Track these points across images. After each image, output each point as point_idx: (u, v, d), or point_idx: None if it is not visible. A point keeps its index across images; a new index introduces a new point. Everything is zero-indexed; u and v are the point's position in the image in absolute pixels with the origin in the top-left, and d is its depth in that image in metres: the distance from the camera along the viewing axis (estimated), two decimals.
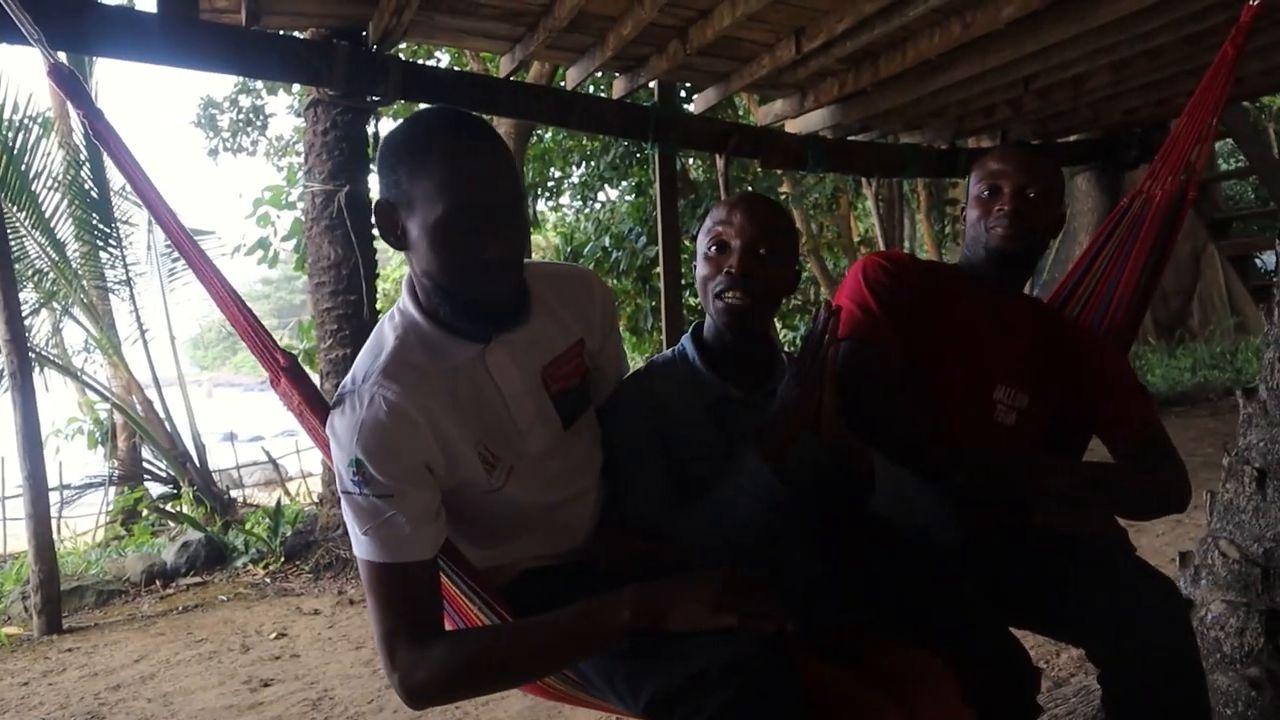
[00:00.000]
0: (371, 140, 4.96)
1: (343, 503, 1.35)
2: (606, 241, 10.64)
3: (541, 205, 13.81)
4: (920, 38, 4.52)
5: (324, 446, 1.53)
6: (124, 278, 8.22)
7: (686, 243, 8.61)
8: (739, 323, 1.59)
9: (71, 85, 1.69)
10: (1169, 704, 1.55)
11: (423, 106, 3.97)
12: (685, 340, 1.70)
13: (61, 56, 1.77)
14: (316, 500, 7.20)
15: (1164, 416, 1.92)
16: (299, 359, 1.67)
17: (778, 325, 12.12)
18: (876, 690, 1.43)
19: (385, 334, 1.43)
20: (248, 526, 6.27)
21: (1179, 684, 1.56)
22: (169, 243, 7.88)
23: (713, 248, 1.61)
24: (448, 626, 1.47)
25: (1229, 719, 2.08)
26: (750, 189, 10.66)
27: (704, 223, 1.65)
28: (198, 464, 8.22)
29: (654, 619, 1.26)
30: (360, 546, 1.34)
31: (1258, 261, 9.19)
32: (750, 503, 1.49)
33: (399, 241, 1.36)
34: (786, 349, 1.79)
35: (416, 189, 1.30)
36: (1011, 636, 1.58)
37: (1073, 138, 7.50)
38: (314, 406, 1.56)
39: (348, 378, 1.40)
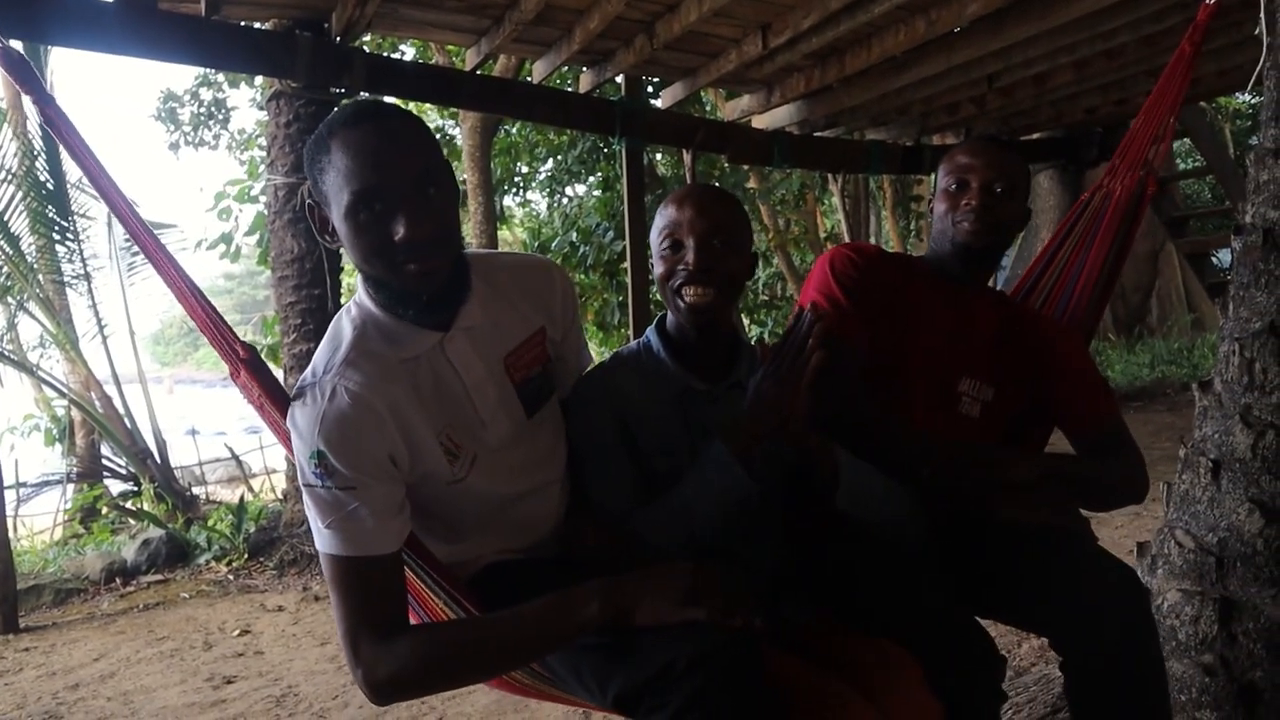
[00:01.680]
0: None
1: (304, 496, 1.34)
2: (574, 236, 10.62)
3: (508, 200, 13.76)
4: (885, 34, 4.54)
5: (284, 439, 1.51)
6: (82, 272, 8.07)
7: None
8: (702, 318, 1.59)
9: (21, 70, 1.66)
10: (1130, 693, 1.58)
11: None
12: (650, 332, 1.69)
13: (15, 44, 1.74)
14: (280, 496, 7.14)
15: (1123, 411, 1.95)
16: (264, 354, 1.65)
17: (745, 320, 12.16)
18: (843, 682, 1.44)
19: (343, 326, 1.42)
20: (210, 523, 6.20)
21: (1139, 673, 1.58)
22: (128, 236, 7.77)
23: (666, 245, 1.60)
24: (412, 621, 1.46)
25: (1184, 705, 2.11)
26: (717, 184, 10.68)
27: (655, 220, 1.63)
28: (159, 460, 8.10)
29: (621, 613, 1.26)
30: (322, 540, 1.32)
31: (1214, 259, 9.33)
32: (718, 498, 1.48)
33: (332, 239, 1.36)
34: (754, 342, 1.79)
35: (328, 184, 1.30)
36: (977, 625, 1.60)
37: (1035, 135, 7.58)
38: (274, 399, 1.55)
39: (307, 371, 1.38)
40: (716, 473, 1.48)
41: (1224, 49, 4.91)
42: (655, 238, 1.62)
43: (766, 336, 11.83)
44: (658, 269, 1.62)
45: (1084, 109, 6.42)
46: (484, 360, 1.46)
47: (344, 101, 4.32)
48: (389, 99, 3.96)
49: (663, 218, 1.61)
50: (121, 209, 1.70)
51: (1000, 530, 1.76)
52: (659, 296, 1.70)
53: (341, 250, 1.38)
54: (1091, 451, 1.87)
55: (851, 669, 1.47)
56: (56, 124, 1.67)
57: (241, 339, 1.61)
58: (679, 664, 1.19)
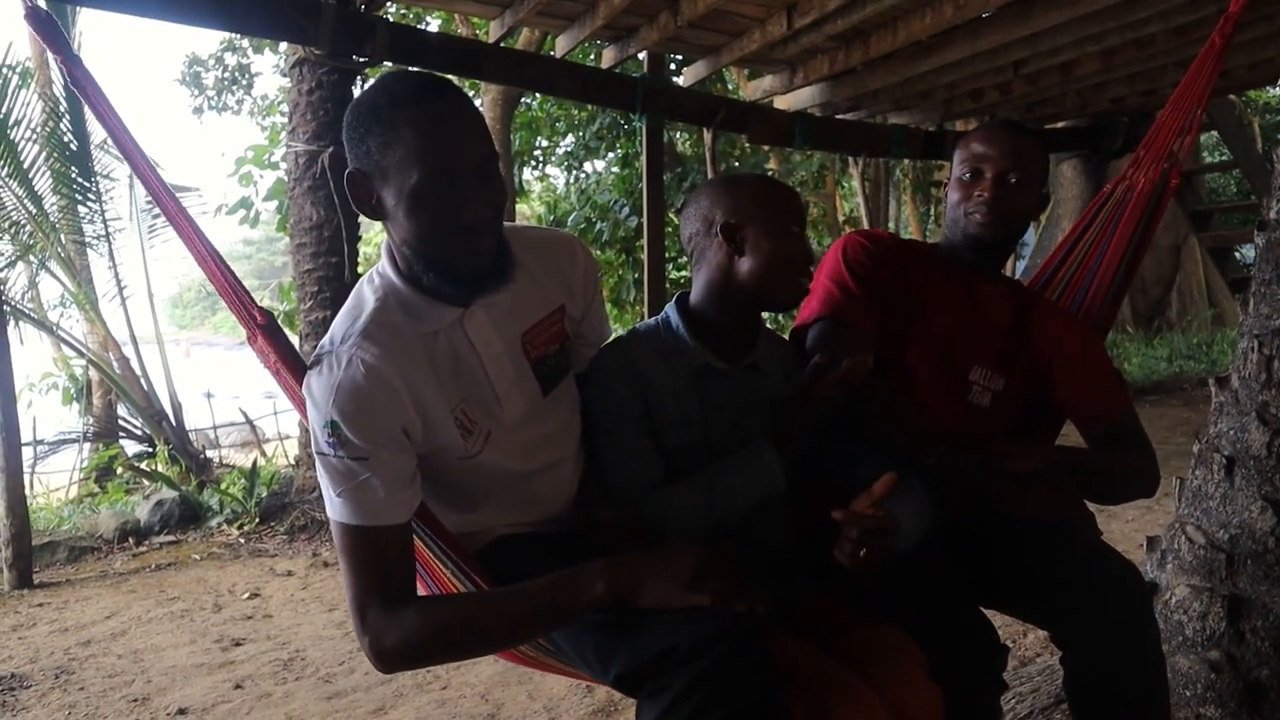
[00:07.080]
0: None
1: (317, 463, 1.35)
2: (590, 212, 10.59)
3: (527, 174, 13.73)
4: (911, 18, 4.50)
5: (299, 405, 1.52)
6: (103, 233, 8.11)
7: (671, 216, 8.61)
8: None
9: (49, 29, 1.66)
10: (1128, 687, 1.57)
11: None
12: (670, 308, 1.69)
13: (40, 2, 1.74)
14: (293, 462, 7.19)
15: (1138, 405, 1.94)
16: (280, 321, 1.66)
17: None
18: (844, 665, 1.44)
19: (365, 296, 1.41)
20: (223, 486, 6.25)
21: (1138, 668, 1.58)
22: (149, 199, 7.80)
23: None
24: (420, 589, 1.47)
25: (1189, 700, 2.12)
26: (737, 164, 10.63)
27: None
28: (174, 423, 8.16)
29: (626, 594, 1.26)
30: (334, 508, 1.33)
31: (1237, 255, 9.22)
32: (762, 491, 1.55)
33: (374, 211, 1.35)
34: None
35: (388, 158, 1.28)
36: (979, 614, 1.60)
37: (1060, 124, 7.49)
38: (290, 365, 1.55)
39: (326, 338, 1.39)
40: (766, 470, 1.55)
41: (1255, 41, 4.84)
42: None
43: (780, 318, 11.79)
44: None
45: (1110, 98, 6.35)
46: (502, 336, 1.46)
47: (385, 70, 4.30)
48: (412, 69, 3.95)
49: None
50: (144, 171, 1.71)
51: (1004, 521, 1.75)
52: (675, 273, 1.72)
53: (361, 219, 1.38)
54: (1102, 444, 1.85)
55: (853, 653, 1.48)
56: (82, 84, 1.67)
57: (259, 304, 1.61)
58: (682, 647, 1.20)
